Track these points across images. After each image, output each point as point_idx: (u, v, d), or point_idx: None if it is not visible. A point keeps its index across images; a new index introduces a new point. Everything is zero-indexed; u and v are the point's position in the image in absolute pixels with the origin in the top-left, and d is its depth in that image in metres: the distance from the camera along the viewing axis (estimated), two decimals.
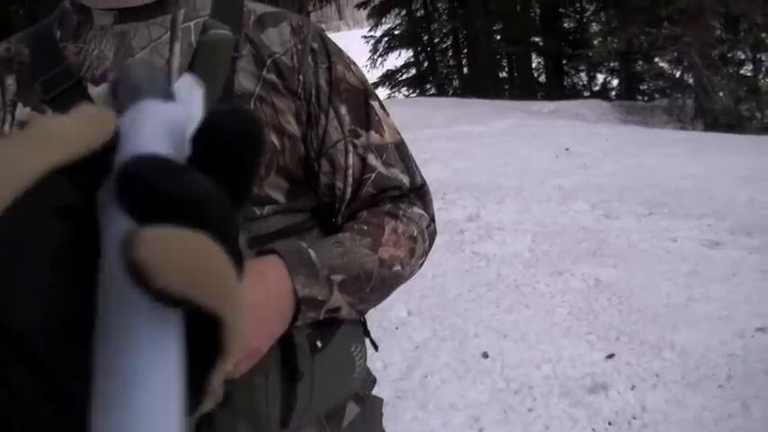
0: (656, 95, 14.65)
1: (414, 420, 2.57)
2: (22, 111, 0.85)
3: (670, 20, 12.32)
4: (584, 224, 4.49)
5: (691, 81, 12.19)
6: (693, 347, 2.87)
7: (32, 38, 0.88)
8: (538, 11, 17.98)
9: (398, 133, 0.98)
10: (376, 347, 1.03)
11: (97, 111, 0.24)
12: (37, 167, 0.22)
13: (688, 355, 2.82)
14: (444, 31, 18.95)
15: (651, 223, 4.39)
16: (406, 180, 0.95)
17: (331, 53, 0.91)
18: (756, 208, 4.48)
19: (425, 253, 0.96)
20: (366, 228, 0.89)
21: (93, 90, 0.82)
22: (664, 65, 13.62)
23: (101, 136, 0.24)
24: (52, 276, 0.22)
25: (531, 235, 4.35)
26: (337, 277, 0.83)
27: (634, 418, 2.49)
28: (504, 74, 18.39)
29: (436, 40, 19.09)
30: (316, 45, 0.90)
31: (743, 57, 13.30)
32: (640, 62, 14.90)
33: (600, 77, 17.24)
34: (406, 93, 18.84)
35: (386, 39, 19.05)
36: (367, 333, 1.00)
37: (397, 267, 0.89)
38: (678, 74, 12.79)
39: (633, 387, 2.65)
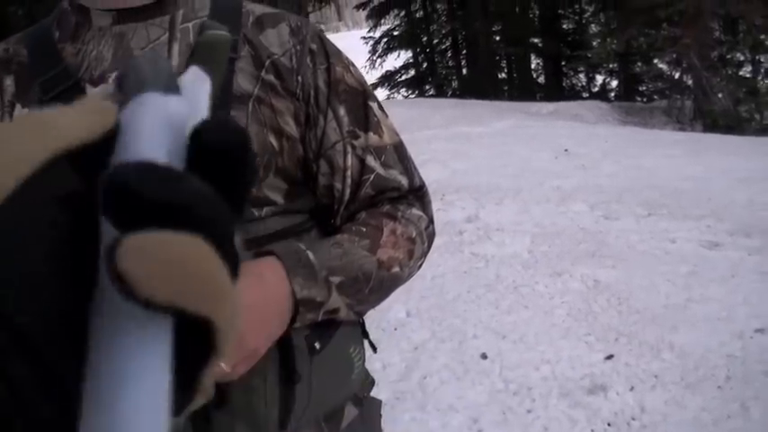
0: (656, 97, 14.67)
1: (412, 421, 2.57)
2: (20, 112, 0.84)
3: (669, 21, 12.34)
4: (583, 225, 4.49)
5: (690, 82, 12.19)
6: (692, 348, 2.87)
7: (31, 38, 0.88)
8: (537, 12, 17.99)
9: (397, 134, 0.97)
10: (374, 349, 1.03)
11: (99, 102, 0.24)
12: (39, 153, 0.21)
13: (687, 356, 2.82)
14: (443, 32, 18.96)
15: (650, 224, 4.39)
16: (404, 181, 0.95)
17: (330, 54, 0.91)
18: (755, 209, 4.48)
19: (424, 254, 0.96)
20: (365, 229, 0.88)
21: (92, 91, 0.82)
22: (663, 66, 13.63)
23: (102, 124, 0.23)
24: (53, 267, 0.21)
25: (529, 236, 4.35)
26: (336, 279, 0.83)
27: (633, 419, 2.49)
28: (504, 75, 18.40)
29: (435, 41, 19.09)
30: (314, 46, 0.90)
31: (742, 58, 13.31)
32: (639, 63, 14.90)
33: (599, 78, 17.25)
34: (405, 94, 18.85)
35: (385, 40, 19.05)
36: (365, 334, 1.00)
37: (396, 269, 0.89)
38: (677, 75, 12.80)
39: (632, 388, 2.65)
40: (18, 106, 0.84)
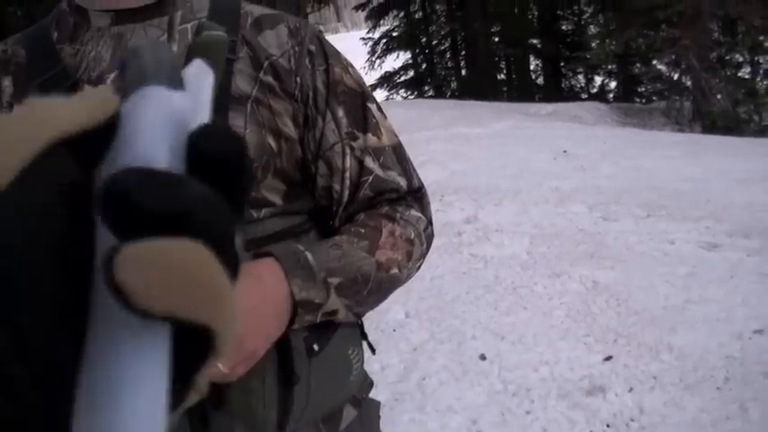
0: (654, 98, 14.67)
1: (411, 422, 2.57)
2: None
3: (668, 22, 12.35)
4: (581, 226, 4.49)
5: (689, 83, 12.20)
6: (691, 350, 2.87)
7: (29, 39, 0.88)
8: (536, 13, 17.99)
9: (396, 136, 0.97)
10: (373, 350, 1.03)
11: (100, 92, 0.24)
12: (42, 136, 0.21)
13: (686, 358, 2.82)
14: (442, 32, 18.96)
15: (649, 225, 4.39)
16: (403, 183, 0.95)
17: (328, 55, 0.91)
18: (754, 210, 4.48)
19: (423, 256, 0.96)
20: (363, 230, 0.88)
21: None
22: (662, 67, 13.64)
23: (103, 112, 0.23)
24: (52, 260, 0.21)
25: (528, 237, 4.35)
26: (334, 280, 0.83)
27: (632, 420, 2.49)
28: (503, 76, 18.39)
29: (434, 42, 19.10)
30: (313, 47, 0.90)
31: (741, 59, 13.30)
32: (638, 64, 14.92)
33: (598, 80, 17.25)
34: (404, 94, 18.84)
35: (384, 40, 19.05)
36: (364, 336, 1.00)
37: (395, 270, 0.89)
38: (676, 76, 12.80)
39: (631, 389, 2.65)
40: (16, 107, 0.84)
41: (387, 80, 18.98)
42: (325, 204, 0.92)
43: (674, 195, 4.97)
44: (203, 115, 0.26)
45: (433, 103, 13.24)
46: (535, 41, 17.58)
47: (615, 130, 9.85)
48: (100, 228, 0.22)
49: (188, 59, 0.29)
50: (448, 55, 19.14)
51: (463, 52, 18.44)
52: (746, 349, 2.84)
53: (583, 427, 2.47)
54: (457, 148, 7.28)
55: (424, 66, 19.16)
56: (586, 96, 16.55)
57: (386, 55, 19.04)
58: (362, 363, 0.97)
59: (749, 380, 2.63)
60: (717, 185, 5.21)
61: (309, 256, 0.82)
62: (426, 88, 18.90)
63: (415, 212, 0.95)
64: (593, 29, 17.45)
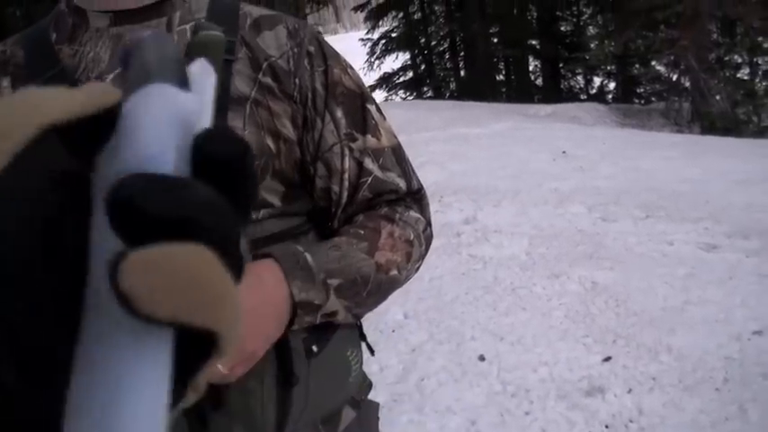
0: (653, 99, 14.68)
1: (410, 424, 2.57)
2: None
3: (667, 23, 12.36)
4: (580, 227, 4.49)
5: (687, 84, 12.20)
6: (690, 351, 2.87)
7: (28, 40, 0.88)
8: (535, 14, 18.00)
9: (395, 137, 0.97)
10: (372, 351, 1.03)
11: (102, 87, 0.24)
12: (34, 122, 0.21)
13: (685, 359, 2.82)
14: (441, 33, 18.96)
15: (648, 226, 4.39)
16: (402, 184, 0.94)
17: (327, 56, 0.91)
18: (753, 211, 4.49)
19: (422, 257, 0.96)
20: (362, 232, 0.88)
21: None
22: (660, 68, 13.65)
23: (99, 102, 0.23)
24: (46, 245, 0.21)
25: (527, 238, 4.35)
26: (334, 281, 0.83)
27: (631, 421, 2.49)
28: (501, 77, 18.40)
29: (433, 43, 19.09)
30: (312, 48, 0.90)
31: (739, 60, 13.32)
32: (637, 65, 14.92)
33: (597, 81, 17.26)
34: (403, 95, 18.84)
35: (383, 41, 19.04)
36: (363, 337, 1.00)
37: (394, 272, 0.89)
38: (675, 77, 12.81)
39: (630, 390, 2.65)
40: None
41: (385, 81, 18.97)
42: (324, 206, 0.92)
43: (673, 196, 4.97)
44: (207, 116, 0.26)
45: (432, 103, 13.24)
46: (534, 42, 17.59)
47: (614, 130, 9.85)
48: (100, 228, 0.21)
49: (186, 59, 0.29)
50: (447, 56, 19.14)
51: (462, 53, 18.44)
52: (745, 350, 2.84)
53: (582, 427, 2.47)
54: (456, 149, 7.28)
55: (422, 67, 19.16)
56: (585, 97, 16.56)
57: (385, 56, 19.04)
58: (361, 364, 0.97)
59: (748, 381, 2.63)
60: (716, 186, 5.22)
61: (309, 257, 0.82)
62: (425, 89, 18.90)
63: (414, 214, 0.95)
64: (592, 30, 17.47)
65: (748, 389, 2.58)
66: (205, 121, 0.25)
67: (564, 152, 6.91)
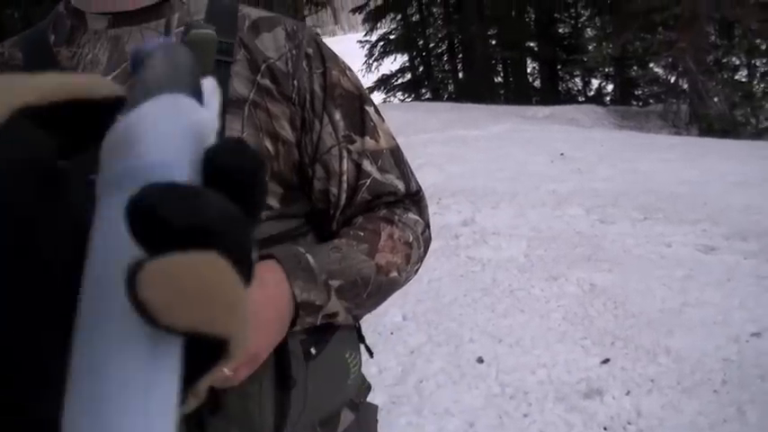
0: (651, 101, 14.69)
1: (409, 425, 2.57)
2: None
3: (665, 25, 12.36)
4: (579, 229, 4.49)
5: (685, 86, 12.21)
6: (688, 352, 2.87)
7: (26, 42, 0.88)
8: (533, 16, 18.00)
9: (394, 139, 0.97)
10: (371, 353, 1.03)
11: (98, 79, 0.24)
12: (2, 101, 0.20)
13: (683, 361, 2.82)
14: (440, 35, 18.96)
15: (646, 228, 4.39)
16: (401, 186, 0.94)
17: (326, 58, 0.91)
18: (751, 213, 4.49)
19: (421, 259, 0.96)
20: (362, 234, 0.88)
21: None
22: (658, 70, 13.66)
23: (88, 90, 0.23)
24: (25, 232, 0.21)
25: (525, 240, 4.35)
26: (335, 282, 0.83)
27: (629, 423, 2.48)
28: (500, 79, 18.40)
29: (431, 45, 19.09)
30: (311, 50, 0.89)
31: (737, 62, 13.34)
32: (635, 67, 14.94)
33: (595, 83, 17.27)
34: (402, 97, 18.84)
35: (381, 43, 19.04)
36: (362, 339, 1.00)
37: (394, 273, 0.89)
38: (673, 79, 12.83)
39: (628, 392, 2.65)
40: None
41: (384, 83, 18.97)
42: (323, 208, 0.92)
43: (671, 198, 4.98)
44: (215, 132, 0.26)
45: (430, 105, 13.25)
46: (532, 44, 17.60)
47: (612, 132, 9.86)
48: (106, 232, 0.21)
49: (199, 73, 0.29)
50: (445, 58, 19.14)
51: (460, 55, 18.44)
52: (744, 352, 2.84)
53: (580, 429, 2.47)
54: (454, 151, 7.28)
55: (421, 69, 19.16)
56: (583, 99, 16.56)
57: (383, 58, 19.03)
58: (360, 366, 0.97)
59: (746, 383, 2.63)
60: (714, 188, 5.22)
61: (310, 258, 0.82)
62: (423, 91, 18.89)
63: (412, 215, 0.95)
64: (589, 32, 17.47)
65: (746, 390, 2.58)
66: (214, 135, 0.25)
67: (562, 154, 6.92)
